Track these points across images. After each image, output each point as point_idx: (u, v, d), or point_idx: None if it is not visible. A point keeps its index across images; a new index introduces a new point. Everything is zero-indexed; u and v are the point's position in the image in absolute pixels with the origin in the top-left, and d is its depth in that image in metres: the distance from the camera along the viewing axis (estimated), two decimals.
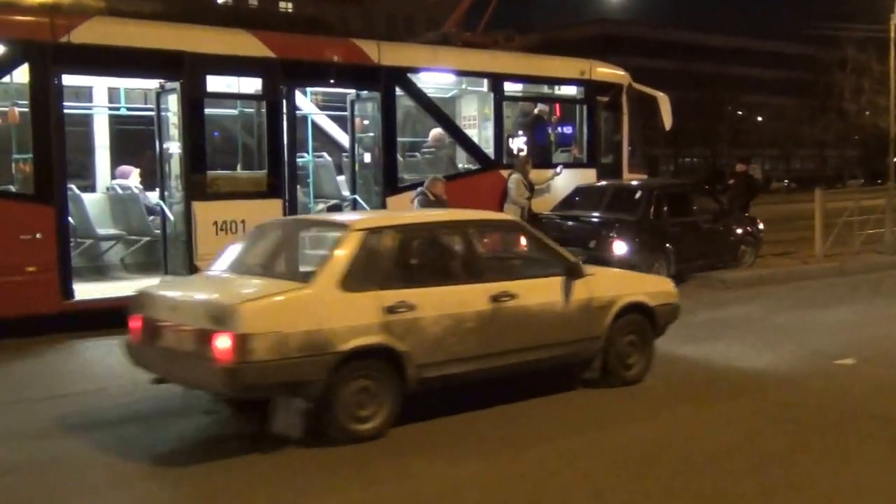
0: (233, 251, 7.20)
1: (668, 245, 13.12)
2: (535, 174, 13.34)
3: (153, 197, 11.44)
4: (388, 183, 12.26)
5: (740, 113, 70.56)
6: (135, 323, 6.69)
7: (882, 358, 8.74)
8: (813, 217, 15.37)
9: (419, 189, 11.63)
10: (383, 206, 12.16)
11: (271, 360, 5.74)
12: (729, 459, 5.73)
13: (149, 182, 11.72)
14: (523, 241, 7.68)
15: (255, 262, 6.99)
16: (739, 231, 14.69)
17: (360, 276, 6.23)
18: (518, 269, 7.50)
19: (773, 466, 5.60)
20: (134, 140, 12.32)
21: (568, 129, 15.16)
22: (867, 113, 55.69)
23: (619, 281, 7.90)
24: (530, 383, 7.35)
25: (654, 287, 8.01)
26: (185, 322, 6.13)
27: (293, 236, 7.26)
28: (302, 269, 6.69)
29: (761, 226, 15.33)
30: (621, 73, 15.20)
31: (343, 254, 6.25)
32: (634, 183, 14.33)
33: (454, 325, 6.45)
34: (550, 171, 13.65)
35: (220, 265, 7.04)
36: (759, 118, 72.84)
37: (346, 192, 13.16)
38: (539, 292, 7.01)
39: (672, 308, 7.90)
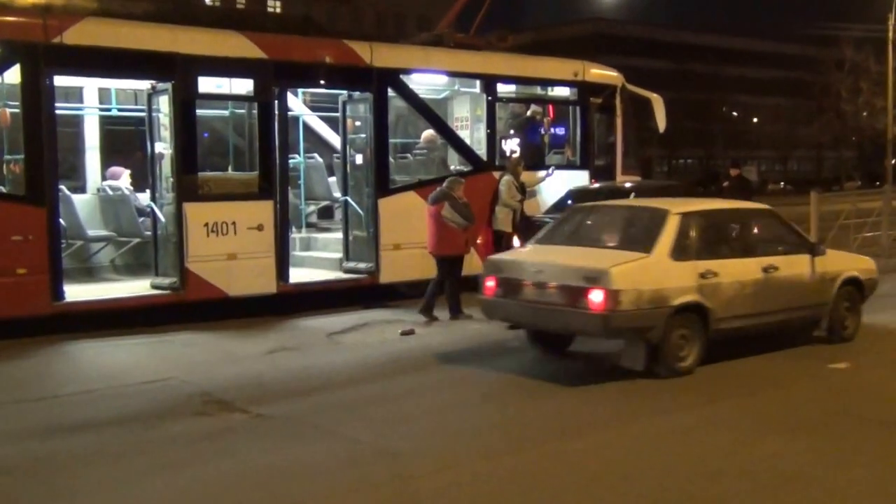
0: (556, 229, 9.39)
1: None
2: (527, 175, 13.31)
3: (144, 198, 11.41)
4: (380, 184, 12.23)
5: (736, 114, 70.50)
6: (490, 283, 8.67)
7: (876, 362, 8.77)
8: (809, 220, 15.36)
9: (441, 191, 11.30)
10: (375, 207, 12.13)
11: (631, 310, 7.66)
12: (720, 461, 5.74)
13: (139, 183, 11.71)
14: (777, 225, 9.45)
15: (588, 237, 9.05)
16: None
17: (682, 249, 8.18)
18: (776, 247, 9.13)
19: (761, 468, 5.65)
20: (125, 141, 12.31)
21: (561, 131, 15.12)
22: (864, 114, 55.76)
23: (841, 259, 9.91)
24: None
25: (863, 265, 10.00)
26: (555, 281, 8.02)
27: (617, 218, 9.28)
28: (634, 243, 8.43)
29: None
30: (615, 74, 15.18)
31: (670, 231, 8.19)
32: (628, 185, 14.30)
33: (740, 289, 8.36)
34: (542, 173, 13.61)
35: (549, 239, 9.17)
36: (755, 119, 72.80)
37: (337, 194, 13.16)
38: (793, 266, 8.91)
39: (874, 282, 9.95)
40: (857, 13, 55.43)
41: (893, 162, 43.20)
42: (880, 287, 13.86)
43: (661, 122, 15.60)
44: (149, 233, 11.25)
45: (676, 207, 8.61)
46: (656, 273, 7.93)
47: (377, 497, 5.32)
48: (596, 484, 5.46)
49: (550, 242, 9.06)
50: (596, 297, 7.60)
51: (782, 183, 69.13)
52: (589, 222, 9.40)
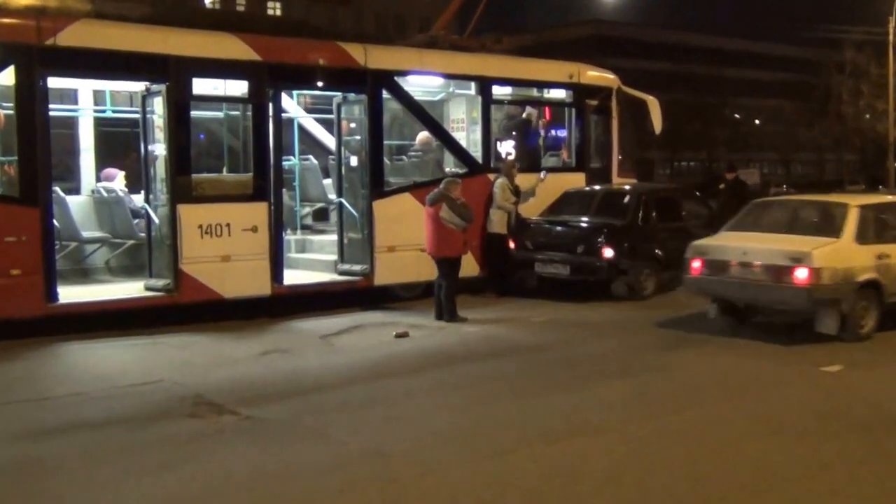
0: (742, 219, 10.91)
1: (657, 251, 13.10)
2: (522, 179, 13.28)
3: (138, 200, 11.41)
4: (375, 186, 12.22)
5: (737, 116, 70.39)
6: (696, 264, 10.30)
7: (868, 365, 8.78)
8: None
9: (438, 192, 11.29)
10: (369, 209, 12.13)
11: (828, 284, 9.30)
12: (706, 463, 5.76)
13: (134, 185, 11.71)
14: None
15: (775, 225, 10.42)
16: None
17: (862, 235, 9.79)
18: None
19: (746, 470, 5.67)
20: (119, 143, 12.32)
21: (557, 133, 15.12)
22: (866, 116, 55.65)
23: None
24: None
25: None
26: (760, 261, 9.67)
27: (798, 210, 10.80)
28: (822, 230, 9.99)
29: None
30: (611, 76, 15.16)
31: (853, 220, 9.81)
32: (623, 188, 14.30)
33: None
34: (535, 178, 13.57)
35: (739, 228, 10.67)
36: (757, 121, 72.68)
37: (332, 196, 13.14)
38: None
39: None
40: (858, 16, 55.40)
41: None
42: None
43: (657, 124, 15.57)
44: (143, 234, 11.25)
45: (854, 201, 10.35)
46: (845, 254, 9.61)
47: (362, 499, 5.32)
48: (580, 486, 5.46)
49: (742, 230, 10.62)
50: (801, 273, 9.29)
51: (784, 185, 68.99)
52: (772, 213, 10.97)
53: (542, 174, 13.59)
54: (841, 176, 70.06)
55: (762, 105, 71.36)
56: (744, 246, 10.00)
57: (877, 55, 49.80)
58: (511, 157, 13.68)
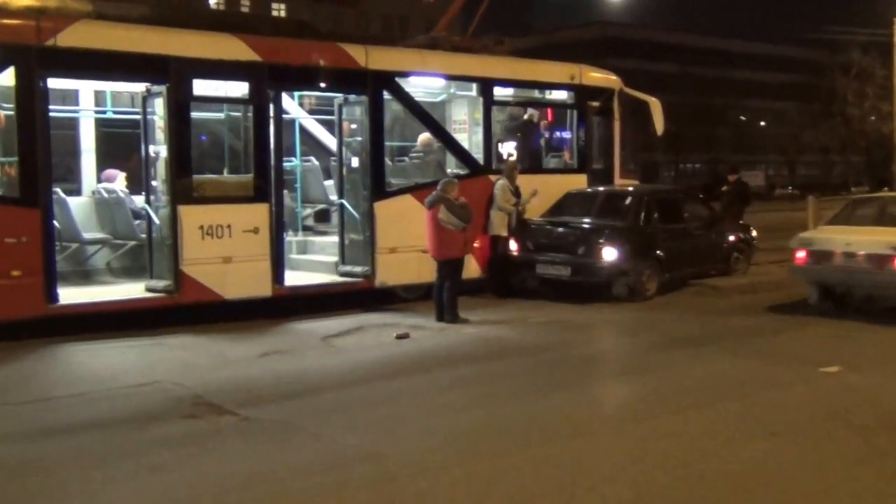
0: (840, 215, 12.14)
1: (658, 252, 13.08)
2: (522, 182, 13.19)
3: (139, 201, 11.42)
4: (377, 187, 12.22)
5: (743, 118, 70.29)
6: (801, 254, 11.57)
7: (867, 367, 8.74)
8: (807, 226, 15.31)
9: (437, 195, 11.25)
10: (371, 211, 12.11)
11: None
12: (703, 464, 5.76)
13: (135, 186, 11.72)
14: None
15: (873, 220, 11.57)
16: (731, 238, 14.64)
17: None
18: None
19: (743, 470, 5.66)
20: (120, 143, 12.31)
21: (559, 135, 15.10)
22: (872, 118, 55.56)
23: None
24: None
25: None
26: (863, 251, 10.88)
27: (888, 205, 11.88)
28: None
29: (754, 233, 15.27)
30: (613, 77, 15.13)
31: None
32: (625, 189, 14.28)
33: None
34: (528, 192, 13.27)
35: (841, 222, 11.89)
36: (762, 123, 72.57)
37: (333, 197, 13.13)
38: None
39: None
40: (863, 18, 55.25)
41: None
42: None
43: (660, 126, 15.53)
44: (144, 235, 11.26)
45: None
46: None
47: (356, 499, 5.30)
48: (577, 487, 5.44)
49: (841, 224, 11.83)
50: None
51: (790, 187, 68.93)
52: (864, 210, 12.04)
53: (534, 191, 13.27)
54: (846, 178, 69.98)
55: (767, 107, 71.28)
56: (847, 238, 11.21)
57: (882, 57, 49.68)
58: (513, 159, 13.65)
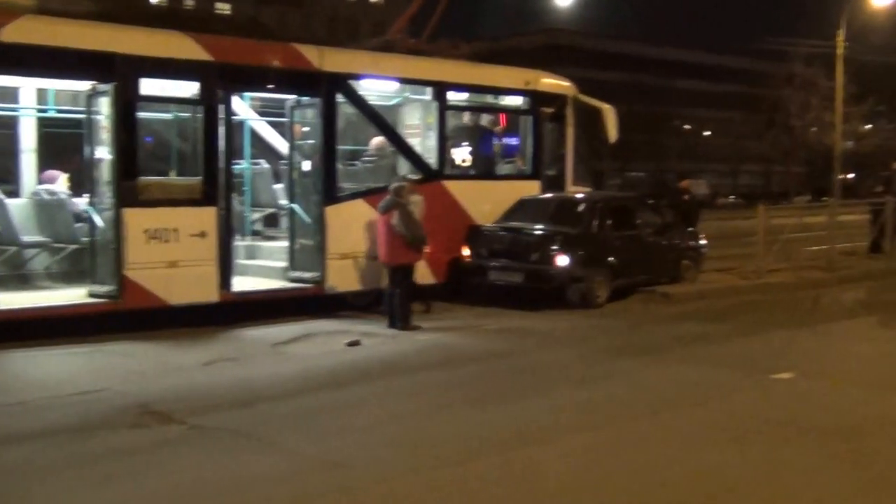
0: None
1: (610, 258, 13.11)
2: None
3: (81, 203, 11.08)
4: (328, 192, 12.02)
5: (688, 127, 71.37)
6: None
7: (819, 372, 8.83)
8: (756, 233, 15.50)
9: (391, 199, 11.10)
10: (322, 215, 11.92)
11: None
12: (663, 470, 5.74)
13: (77, 187, 11.37)
14: None
15: None
16: (682, 246, 14.75)
17: None
18: None
19: (703, 477, 5.63)
20: (62, 144, 11.94)
21: (512, 140, 15.07)
22: (814, 129, 56.80)
23: None
24: None
25: None
26: None
27: None
28: None
29: (703, 241, 15.40)
30: (566, 83, 15.15)
31: None
32: (578, 196, 14.30)
33: None
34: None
35: None
36: (707, 132, 73.75)
37: (283, 201, 12.91)
38: None
39: None
40: (807, 29, 56.58)
41: (841, 177, 44.03)
42: (824, 298, 14.16)
43: (613, 133, 15.58)
44: (86, 239, 10.92)
45: None
46: None
47: None
48: (539, 494, 5.37)
49: None
50: None
51: (732, 196, 70.11)
52: None
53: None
54: (788, 187, 71.49)
55: (712, 116, 72.45)
56: None
57: (825, 68, 50.84)
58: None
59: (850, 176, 56.67)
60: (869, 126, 56.77)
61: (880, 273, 16.76)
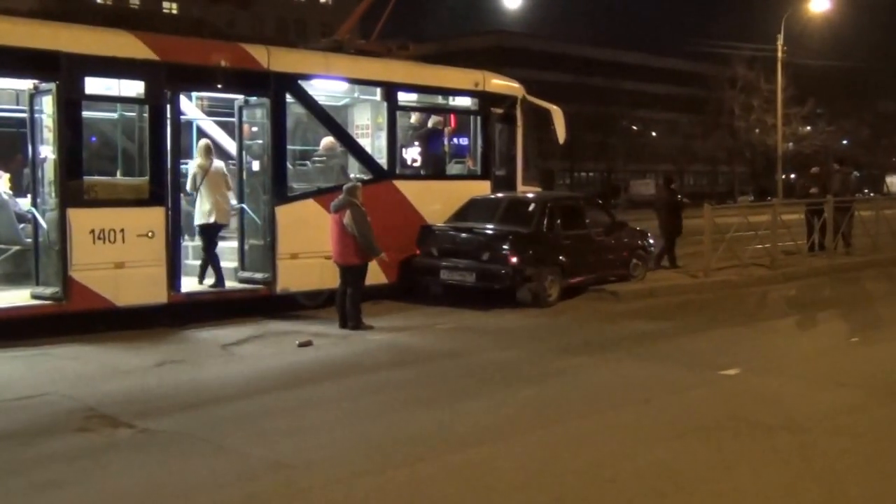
0: None
1: (561, 258, 13.21)
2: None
3: (24, 203, 10.86)
4: (278, 192, 11.94)
5: (635, 128, 72.16)
6: None
7: (764, 368, 8.98)
8: (703, 232, 15.73)
9: (344, 199, 11.00)
10: (272, 215, 11.83)
11: None
12: (613, 467, 5.77)
13: (19, 188, 11.15)
14: None
15: None
16: (631, 244, 14.92)
17: None
18: None
19: (653, 472, 5.68)
20: (3, 143, 11.69)
21: (462, 141, 15.10)
22: (756, 130, 57.87)
23: None
24: None
25: None
26: None
27: None
28: None
29: (652, 240, 15.61)
30: (516, 85, 15.24)
31: None
32: (528, 195, 14.38)
33: None
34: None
35: None
36: (654, 133, 74.65)
37: (233, 201, 12.77)
38: None
39: None
40: (749, 33, 57.55)
41: (783, 177, 44.97)
42: (768, 295, 14.44)
43: (561, 134, 15.70)
44: (29, 240, 10.71)
45: None
46: None
47: None
48: (493, 494, 5.38)
49: None
50: None
51: (679, 196, 70.96)
52: None
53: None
54: (732, 187, 72.69)
55: (659, 117, 73.36)
56: None
57: (766, 72, 51.88)
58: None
59: (793, 176, 57.91)
60: (808, 128, 57.98)
61: (822, 270, 17.15)
